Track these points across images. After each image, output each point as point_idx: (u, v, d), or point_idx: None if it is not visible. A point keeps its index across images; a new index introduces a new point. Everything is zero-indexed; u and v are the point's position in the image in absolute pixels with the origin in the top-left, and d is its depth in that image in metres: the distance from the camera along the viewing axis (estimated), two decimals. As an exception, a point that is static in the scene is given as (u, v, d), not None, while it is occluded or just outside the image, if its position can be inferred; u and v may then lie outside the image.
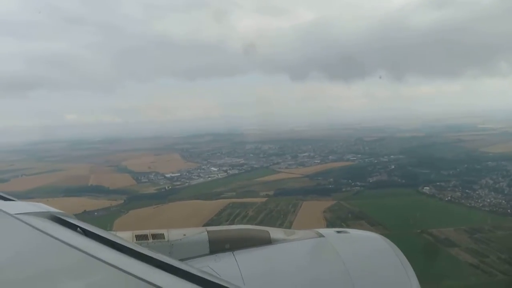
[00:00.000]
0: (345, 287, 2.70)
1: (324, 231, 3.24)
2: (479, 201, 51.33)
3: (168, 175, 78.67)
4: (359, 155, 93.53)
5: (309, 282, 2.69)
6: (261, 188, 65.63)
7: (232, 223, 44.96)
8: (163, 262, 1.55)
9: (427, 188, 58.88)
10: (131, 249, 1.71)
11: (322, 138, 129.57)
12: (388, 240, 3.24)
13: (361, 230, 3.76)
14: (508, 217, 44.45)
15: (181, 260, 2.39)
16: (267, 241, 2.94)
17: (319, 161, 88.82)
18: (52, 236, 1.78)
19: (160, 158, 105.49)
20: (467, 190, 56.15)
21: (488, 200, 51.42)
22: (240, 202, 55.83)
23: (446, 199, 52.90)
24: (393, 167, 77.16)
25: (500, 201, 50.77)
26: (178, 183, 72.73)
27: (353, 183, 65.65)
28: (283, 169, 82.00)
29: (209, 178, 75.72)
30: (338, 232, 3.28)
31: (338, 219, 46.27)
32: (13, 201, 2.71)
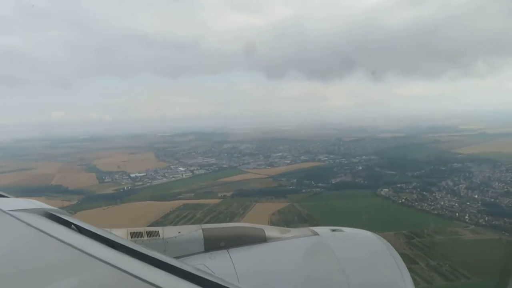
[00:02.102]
0: (339, 285, 2.68)
1: (318, 229, 3.25)
2: (432, 203, 50.35)
3: (133, 175, 77.51)
4: (332, 156, 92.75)
5: (303, 280, 2.68)
6: (221, 189, 64.64)
7: (175, 225, 43.89)
8: (158, 260, 1.54)
9: (386, 190, 57.91)
10: (126, 246, 1.69)
11: (304, 138, 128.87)
12: (382, 239, 3.24)
13: (355, 229, 3.71)
14: (454, 221, 43.41)
15: (176, 258, 2.32)
16: (262, 239, 2.94)
17: (289, 162, 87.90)
18: (46, 233, 1.78)
19: (133, 157, 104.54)
20: (424, 192, 55.23)
21: (442, 203, 50.47)
22: (193, 204, 54.80)
23: (399, 201, 51.92)
24: (360, 168, 76.35)
25: (453, 204, 49.78)
26: (140, 183, 71.64)
27: (314, 184, 64.75)
28: (251, 169, 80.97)
29: (173, 178, 74.70)
30: (333, 230, 3.27)
31: (283, 222, 45.20)
32: (7, 198, 2.65)
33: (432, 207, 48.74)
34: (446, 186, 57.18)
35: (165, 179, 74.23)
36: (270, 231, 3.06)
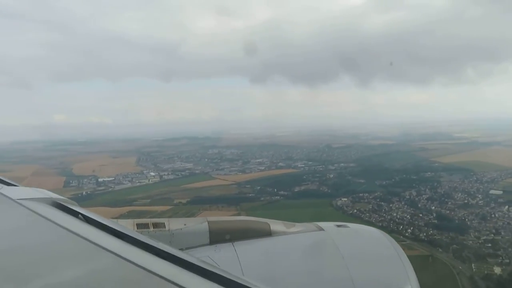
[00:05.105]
0: (343, 280, 2.69)
1: (324, 224, 3.24)
2: (383, 215, 47.96)
3: (100, 180, 76.36)
4: (311, 163, 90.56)
5: (307, 275, 2.70)
6: (180, 195, 63.13)
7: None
8: (164, 251, 1.57)
9: (344, 199, 55.54)
10: (132, 237, 1.71)
11: (293, 144, 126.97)
12: (387, 235, 3.26)
13: (360, 225, 3.62)
14: (393, 234, 40.77)
15: (181, 249, 2.43)
16: (267, 233, 2.95)
17: (263, 168, 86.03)
18: (53, 222, 1.80)
19: (113, 161, 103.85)
20: (382, 203, 52.78)
21: (394, 214, 48.06)
22: (139, 211, 53.28)
23: (350, 212, 49.51)
24: (331, 176, 73.93)
25: (405, 215, 47.33)
26: (103, 188, 70.45)
27: (275, 192, 62.76)
28: (221, 175, 79.19)
29: (138, 184, 73.38)
30: (338, 226, 3.27)
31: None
32: (16, 186, 2.67)
33: (380, 219, 46.25)
34: (408, 196, 54.65)
35: (129, 184, 72.93)
36: (275, 225, 3.04)
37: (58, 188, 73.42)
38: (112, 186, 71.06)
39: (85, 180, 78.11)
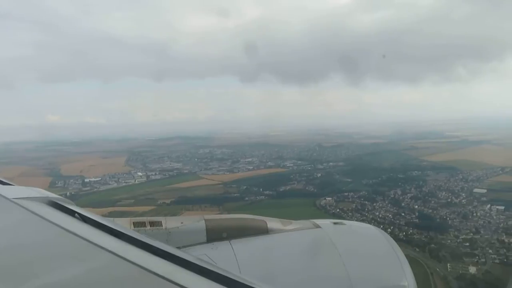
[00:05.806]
0: (340, 278, 2.70)
1: (321, 222, 3.25)
2: (366, 214, 47.63)
3: (87, 180, 75.76)
4: (300, 162, 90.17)
5: (304, 272, 2.71)
6: (165, 195, 62.67)
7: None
8: (161, 250, 1.57)
9: (329, 199, 55.14)
10: (129, 236, 1.72)
11: (285, 143, 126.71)
12: (384, 233, 3.28)
13: (357, 222, 3.57)
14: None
15: (178, 248, 2.41)
16: (264, 230, 2.96)
17: (252, 167, 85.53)
18: (50, 221, 1.80)
19: (103, 162, 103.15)
20: (366, 202, 52.48)
21: (377, 214, 47.80)
22: (120, 211, 52.64)
23: (333, 211, 49.12)
24: (319, 175, 73.59)
25: (388, 215, 47.06)
26: (88, 188, 69.90)
27: (261, 192, 62.35)
28: (209, 175, 78.76)
29: (124, 184, 72.79)
30: (335, 223, 3.28)
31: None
32: (12, 186, 2.66)
33: (362, 218, 45.79)
34: (392, 195, 54.31)
35: (115, 184, 72.35)
36: (272, 223, 3.03)
37: (43, 189, 72.85)
38: (98, 187, 70.51)
39: (71, 180, 77.45)
